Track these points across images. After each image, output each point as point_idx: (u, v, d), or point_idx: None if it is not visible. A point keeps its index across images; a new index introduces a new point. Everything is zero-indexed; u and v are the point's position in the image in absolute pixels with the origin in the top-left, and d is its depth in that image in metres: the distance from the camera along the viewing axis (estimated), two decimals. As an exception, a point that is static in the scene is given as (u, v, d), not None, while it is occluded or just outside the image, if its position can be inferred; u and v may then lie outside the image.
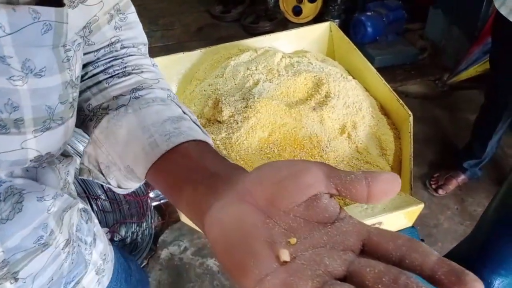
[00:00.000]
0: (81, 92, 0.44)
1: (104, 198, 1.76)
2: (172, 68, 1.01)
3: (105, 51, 0.45)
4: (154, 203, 1.88)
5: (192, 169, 0.35)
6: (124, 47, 0.46)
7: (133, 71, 0.45)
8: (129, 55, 0.46)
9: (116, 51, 0.45)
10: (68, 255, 0.46)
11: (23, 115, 0.31)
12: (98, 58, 0.45)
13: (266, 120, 0.82)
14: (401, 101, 0.90)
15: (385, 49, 2.54)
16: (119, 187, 0.42)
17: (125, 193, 0.44)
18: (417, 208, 0.73)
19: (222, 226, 0.27)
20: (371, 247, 0.26)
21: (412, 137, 0.88)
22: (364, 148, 0.88)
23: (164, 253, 1.74)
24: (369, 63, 0.99)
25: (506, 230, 0.62)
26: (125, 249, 1.70)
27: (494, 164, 2.00)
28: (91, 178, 0.42)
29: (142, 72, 0.45)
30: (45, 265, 0.42)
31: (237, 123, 0.82)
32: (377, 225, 0.73)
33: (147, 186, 1.88)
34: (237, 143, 0.80)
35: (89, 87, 0.44)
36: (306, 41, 1.11)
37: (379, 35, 2.57)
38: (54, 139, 0.35)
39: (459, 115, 2.29)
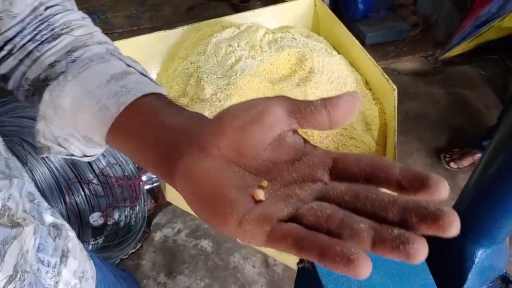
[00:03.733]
0: (14, 67, 0.41)
1: (96, 182, 1.76)
2: (155, 47, 0.99)
3: (30, 18, 0.42)
4: (147, 186, 1.88)
5: (148, 128, 0.34)
6: (48, 7, 0.42)
7: (63, 31, 0.41)
8: (54, 15, 0.42)
9: (41, 14, 0.42)
10: None
11: None
12: (24, 28, 0.42)
13: (249, 97, 0.81)
14: (386, 76, 0.89)
15: (377, 25, 2.50)
16: (85, 155, 0.40)
17: (92, 159, 0.42)
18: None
19: (195, 184, 0.28)
20: (339, 173, 0.27)
21: (396, 111, 0.87)
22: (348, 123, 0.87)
23: (158, 236, 1.75)
24: (354, 38, 0.97)
25: (487, 200, 0.62)
26: (118, 233, 1.71)
27: None
28: (52, 155, 0.40)
29: (72, 30, 0.42)
30: None
31: (220, 101, 0.81)
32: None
33: (139, 169, 1.88)
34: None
35: (21, 60, 0.41)
36: (290, 16, 1.09)
37: (370, 11, 2.53)
38: None
39: (452, 91, 2.28)
